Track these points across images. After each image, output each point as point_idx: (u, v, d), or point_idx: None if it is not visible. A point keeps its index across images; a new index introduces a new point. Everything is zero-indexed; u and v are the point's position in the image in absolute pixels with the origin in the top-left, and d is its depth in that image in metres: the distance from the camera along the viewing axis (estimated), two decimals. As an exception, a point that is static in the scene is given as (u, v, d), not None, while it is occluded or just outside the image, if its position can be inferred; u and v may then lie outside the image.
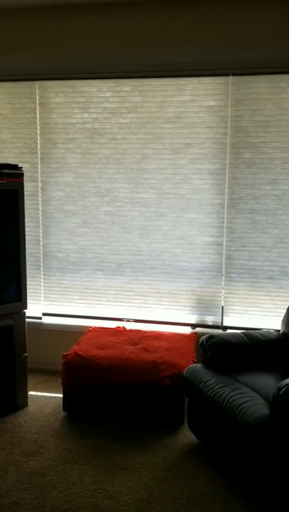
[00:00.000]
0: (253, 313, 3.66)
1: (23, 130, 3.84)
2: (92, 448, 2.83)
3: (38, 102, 3.79)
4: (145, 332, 3.61)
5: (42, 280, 3.99)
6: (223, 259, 3.66)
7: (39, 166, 3.86)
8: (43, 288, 4.00)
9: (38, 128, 3.82)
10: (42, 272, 3.98)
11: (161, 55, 3.49)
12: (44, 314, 4.01)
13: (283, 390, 2.22)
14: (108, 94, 3.67)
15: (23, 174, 3.18)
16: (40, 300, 4.01)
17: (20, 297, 3.21)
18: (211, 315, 3.74)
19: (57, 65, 3.66)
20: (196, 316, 3.76)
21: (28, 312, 3.54)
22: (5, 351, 3.19)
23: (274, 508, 2.27)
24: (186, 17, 3.42)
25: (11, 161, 3.85)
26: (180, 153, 3.62)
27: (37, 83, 3.76)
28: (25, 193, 3.87)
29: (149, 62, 3.52)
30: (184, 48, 3.45)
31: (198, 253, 3.69)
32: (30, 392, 3.52)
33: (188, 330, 3.77)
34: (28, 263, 3.91)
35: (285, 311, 3.50)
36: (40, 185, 3.88)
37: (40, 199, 3.90)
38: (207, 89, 3.51)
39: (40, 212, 3.91)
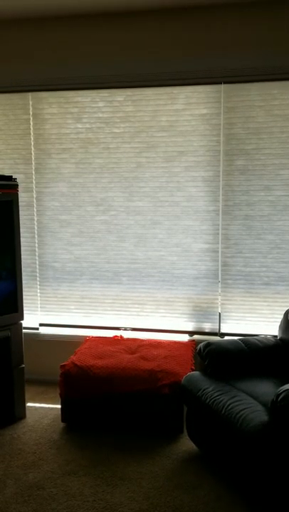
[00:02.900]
0: (250, 320, 3.66)
1: (17, 141, 3.85)
2: (92, 459, 2.81)
3: (31, 113, 3.80)
4: (142, 340, 3.60)
5: (38, 290, 3.98)
6: (219, 266, 3.66)
7: (34, 177, 3.87)
8: (39, 298, 3.99)
9: (32, 139, 3.83)
10: (38, 283, 3.97)
11: (154, 65, 3.52)
12: (41, 325, 4.00)
13: (282, 396, 2.22)
14: (101, 104, 3.69)
15: (17, 185, 3.19)
16: (37, 310, 3.99)
17: (16, 308, 3.20)
18: (208, 322, 3.73)
19: (50, 76, 3.68)
20: (193, 323, 3.76)
21: (25, 323, 3.52)
22: (2, 363, 3.17)
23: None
24: (177, 26, 3.46)
25: (6, 172, 3.85)
26: (174, 161, 3.63)
27: (30, 94, 3.77)
28: (20, 203, 3.87)
29: (142, 72, 3.54)
30: (175, 57, 3.48)
31: (194, 260, 3.70)
32: (28, 404, 3.50)
33: (185, 337, 3.76)
34: (24, 274, 3.90)
35: (281, 316, 3.50)
36: (35, 196, 3.89)
37: (35, 209, 3.90)
38: (199, 98, 3.54)
39: (36, 223, 3.91)
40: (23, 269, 3.78)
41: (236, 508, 2.37)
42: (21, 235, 3.83)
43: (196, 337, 3.75)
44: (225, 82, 3.47)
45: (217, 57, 3.42)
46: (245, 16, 3.36)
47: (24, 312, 3.39)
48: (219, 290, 3.69)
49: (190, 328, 3.77)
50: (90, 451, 2.89)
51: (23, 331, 3.31)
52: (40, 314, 4.00)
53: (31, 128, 3.82)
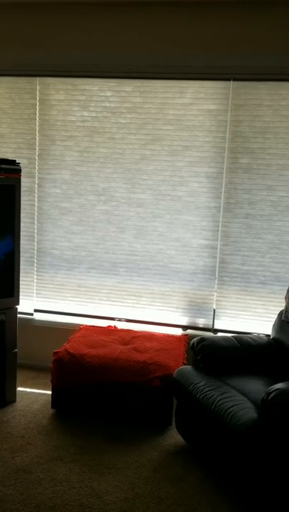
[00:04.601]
0: (244, 317, 3.68)
1: (22, 126, 3.83)
2: (80, 446, 2.84)
3: (38, 98, 3.78)
4: (136, 332, 3.62)
5: (35, 276, 3.98)
6: (217, 263, 3.67)
7: (37, 163, 3.85)
8: (35, 284, 3.99)
9: (37, 124, 3.81)
10: (35, 268, 3.97)
11: (164, 57, 3.50)
12: (36, 311, 4.01)
13: (272, 395, 2.24)
14: (109, 93, 3.67)
15: (20, 170, 3.18)
16: (33, 296, 4.00)
17: (12, 293, 3.20)
18: (203, 317, 3.75)
19: (58, 62, 3.65)
20: (187, 317, 3.78)
21: (20, 308, 3.54)
22: (-5, 346, 3.19)
23: (260, 511, 2.29)
24: (190, 20, 3.43)
25: (9, 156, 3.84)
26: (178, 155, 3.63)
27: (38, 79, 3.75)
28: (22, 188, 3.86)
29: (151, 64, 3.53)
30: (186, 51, 3.46)
31: (193, 255, 3.71)
32: (19, 388, 3.51)
33: (179, 331, 3.78)
34: (22, 259, 3.90)
35: (276, 316, 3.52)
36: (36, 182, 3.88)
37: (36, 195, 3.89)
38: (208, 93, 3.53)
39: (36, 209, 3.91)
40: (21, 254, 3.78)
41: (221, 502, 2.40)
42: (21, 220, 3.83)
43: (189, 332, 3.76)
44: (234, 79, 3.45)
45: (228, 53, 3.41)
46: (259, 14, 3.34)
47: (20, 297, 3.40)
48: (215, 286, 3.70)
49: (184, 323, 3.78)
50: (78, 438, 2.92)
51: (18, 315, 3.31)
52: (36, 300, 4.00)
53: (37, 113, 3.80)
